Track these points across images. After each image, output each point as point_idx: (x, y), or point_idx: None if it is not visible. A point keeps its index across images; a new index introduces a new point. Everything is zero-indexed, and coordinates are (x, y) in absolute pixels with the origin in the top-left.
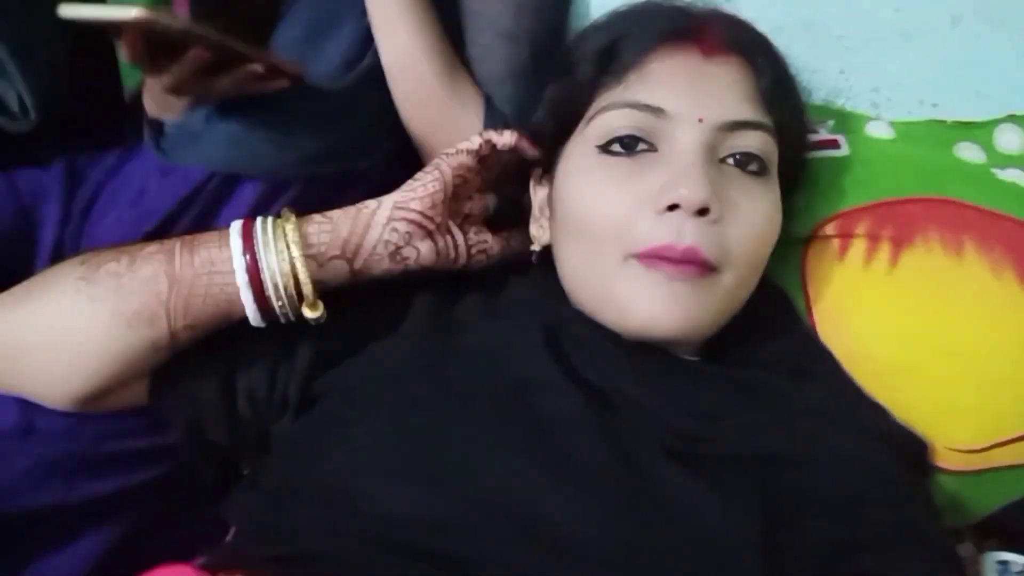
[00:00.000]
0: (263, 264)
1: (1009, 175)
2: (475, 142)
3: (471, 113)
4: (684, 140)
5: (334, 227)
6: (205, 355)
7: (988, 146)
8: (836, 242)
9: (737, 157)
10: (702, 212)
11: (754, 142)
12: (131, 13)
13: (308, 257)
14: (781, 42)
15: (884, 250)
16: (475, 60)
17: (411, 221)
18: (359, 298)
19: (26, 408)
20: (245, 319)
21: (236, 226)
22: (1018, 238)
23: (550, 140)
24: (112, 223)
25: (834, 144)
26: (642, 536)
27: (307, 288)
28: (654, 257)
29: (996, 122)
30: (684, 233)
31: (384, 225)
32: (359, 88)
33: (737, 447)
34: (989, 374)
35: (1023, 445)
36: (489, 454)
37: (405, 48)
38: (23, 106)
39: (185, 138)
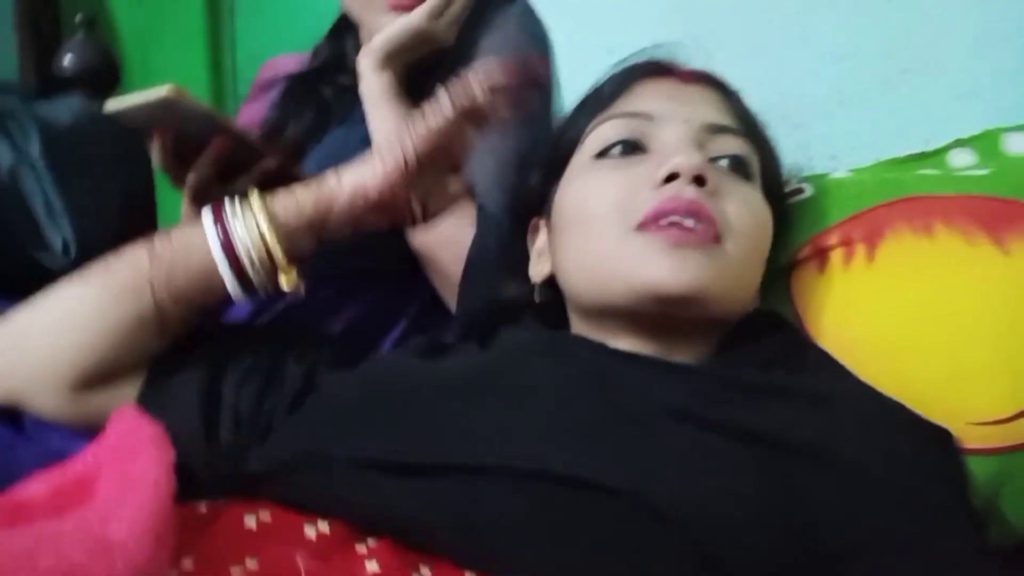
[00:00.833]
0: (234, 236)
1: (963, 173)
2: (446, 110)
3: (465, 222)
4: (672, 135)
5: (299, 204)
6: (193, 371)
7: (943, 167)
8: (814, 261)
9: (726, 157)
10: (699, 181)
11: (737, 146)
12: (162, 91)
13: (278, 232)
14: None
15: (860, 251)
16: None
17: (368, 204)
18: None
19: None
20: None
21: (207, 209)
22: (982, 208)
23: (545, 182)
24: None
25: (800, 191)
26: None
27: (278, 254)
28: (658, 217)
29: (946, 148)
30: (685, 193)
31: (346, 203)
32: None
33: (742, 422)
34: (986, 331)
35: None
36: (473, 414)
37: None
38: (66, 247)
39: None
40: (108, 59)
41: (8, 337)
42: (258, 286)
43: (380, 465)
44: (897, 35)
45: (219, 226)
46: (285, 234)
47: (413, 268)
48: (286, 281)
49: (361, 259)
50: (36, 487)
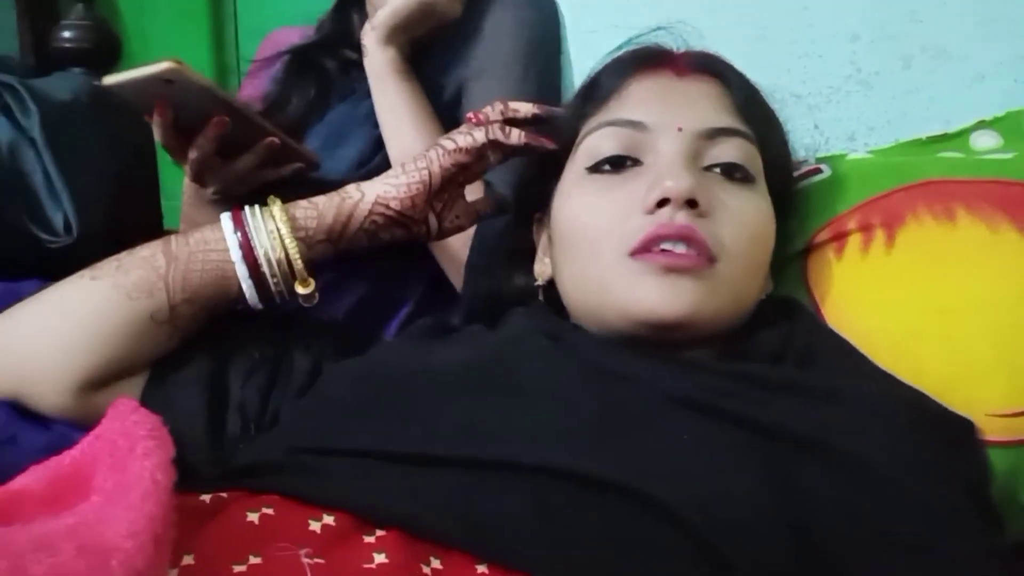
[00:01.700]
0: (255, 243)
1: (987, 156)
2: (478, 139)
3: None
4: (666, 148)
5: (320, 214)
6: (197, 365)
7: (966, 149)
8: (832, 245)
9: (720, 166)
10: (691, 204)
11: (735, 150)
12: (162, 65)
13: (297, 240)
14: None
15: (879, 237)
16: None
17: (389, 217)
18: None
19: (11, 419)
20: (239, 322)
21: (226, 214)
22: (1005, 194)
23: (544, 178)
24: None
25: (817, 171)
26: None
27: (298, 264)
28: (650, 244)
29: (968, 130)
30: (676, 219)
31: (365, 217)
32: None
33: (748, 415)
34: (1007, 321)
35: None
36: (477, 408)
37: (412, 144)
38: (67, 225)
39: None
40: (107, 35)
41: (14, 333)
42: (274, 289)
43: (383, 457)
44: (912, 14)
45: (239, 232)
46: (305, 239)
47: (420, 249)
48: (303, 290)
49: None
50: (31, 480)
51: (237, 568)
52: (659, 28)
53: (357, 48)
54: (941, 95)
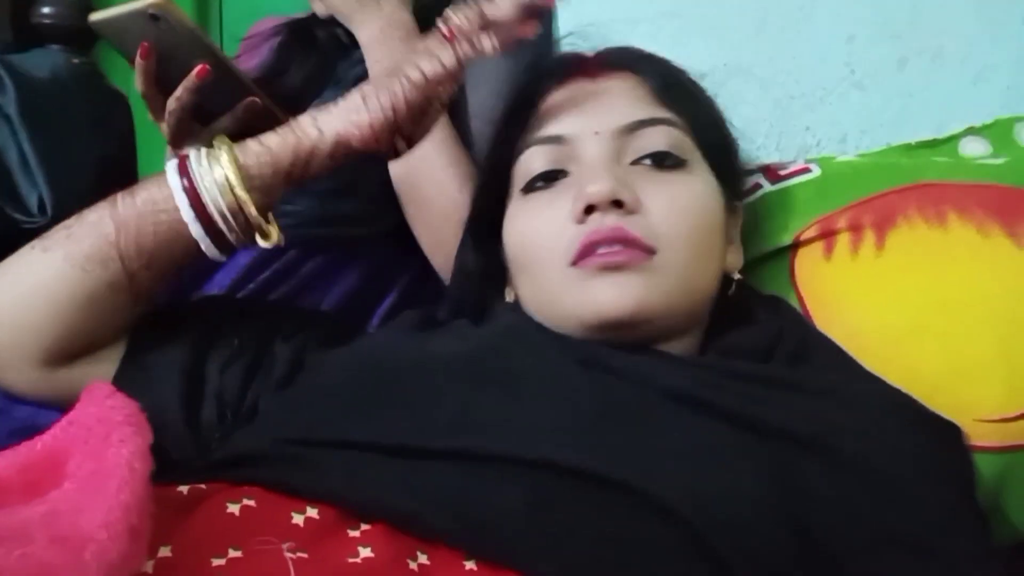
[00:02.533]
0: (206, 199)
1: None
2: (448, 64)
3: (445, 151)
4: (587, 154)
5: (275, 158)
6: (175, 350)
7: (954, 156)
8: (820, 243)
9: (646, 156)
10: (617, 204)
11: (659, 138)
12: (149, 1)
13: (252, 189)
14: (743, 110)
15: (869, 238)
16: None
17: (350, 155)
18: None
19: None
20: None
21: (172, 165)
22: (997, 198)
23: (494, 207)
24: None
25: (807, 170)
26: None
27: (250, 208)
28: (586, 252)
29: (957, 136)
30: (606, 222)
31: (326, 156)
32: (362, 164)
33: (743, 412)
34: (999, 326)
35: None
36: (472, 400)
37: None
38: (42, 205)
39: None
40: (86, 11)
41: None
42: (234, 243)
43: (373, 449)
44: (909, 16)
45: (184, 179)
46: (260, 187)
47: (404, 238)
48: (265, 243)
49: (354, 227)
50: (3, 464)
51: (216, 562)
52: (566, 35)
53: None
54: (936, 98)
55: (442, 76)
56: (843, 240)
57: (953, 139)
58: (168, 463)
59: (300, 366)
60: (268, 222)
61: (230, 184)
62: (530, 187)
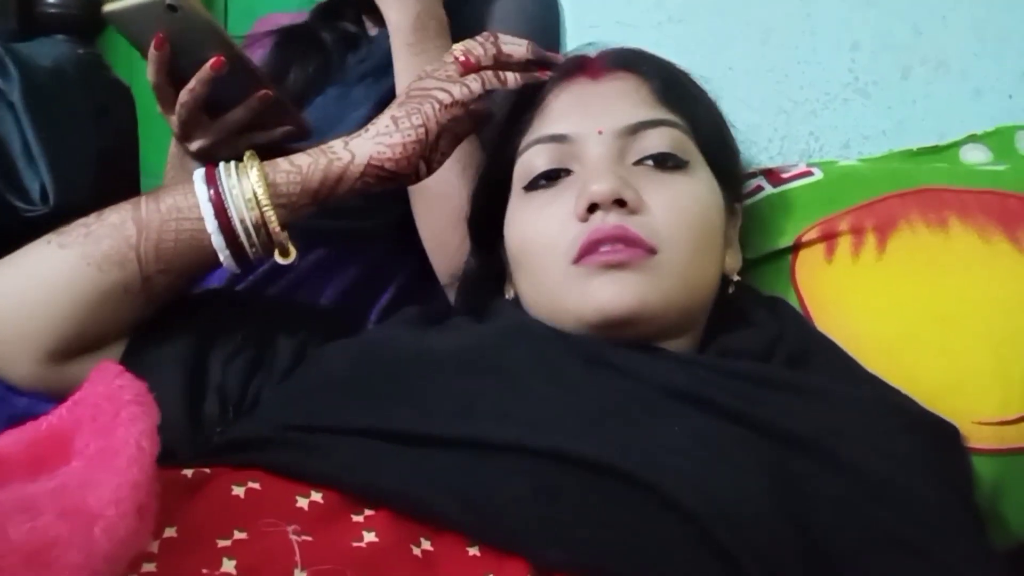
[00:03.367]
0: (232, 212)
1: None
2: (475, 90)
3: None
4: (590, 153)
5: (304, 179)
6: (177, 343)
7: (955, 163)
8: (822, 245)
9: (649, 157)
10: (620, 204)
11: (661, 140)
12: None
13: (279, 207)
14: (748, 115)
15: (870, 241)
16: None
17: (382, 177)
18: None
19: None
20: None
21: (200, 174)
22: (999, 205)
23: (494, 205)
24: None
25: (808, 173)
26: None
27: (274, 225)
28: (588, 250)
29: (959, 143)
30: (608, 221)
31: (356, 179)
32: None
33: (745, 410)
34: (1000, 331)
35: None
36: (478, 391)
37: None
38: (44, 195)
39: None
40: (93, 3)
41: None
42: (252, 257)
43: (377, 436)
44: (914, 27)
45: (212, 190)
46: (287, 205)
47: (403, 232)
48: (283, 260)
49: (354, 221)
50: (7, 443)
51: (221, 543)
52: (589, 44)
53: (356, 21)
54: (938, 108)
55: (469, 101)
56: (844, 243)
57: (954, 146)
58: (169, 454)
59: (302, 360)
60: (288, 242)
61: (257, 200)
62: (533, 185)
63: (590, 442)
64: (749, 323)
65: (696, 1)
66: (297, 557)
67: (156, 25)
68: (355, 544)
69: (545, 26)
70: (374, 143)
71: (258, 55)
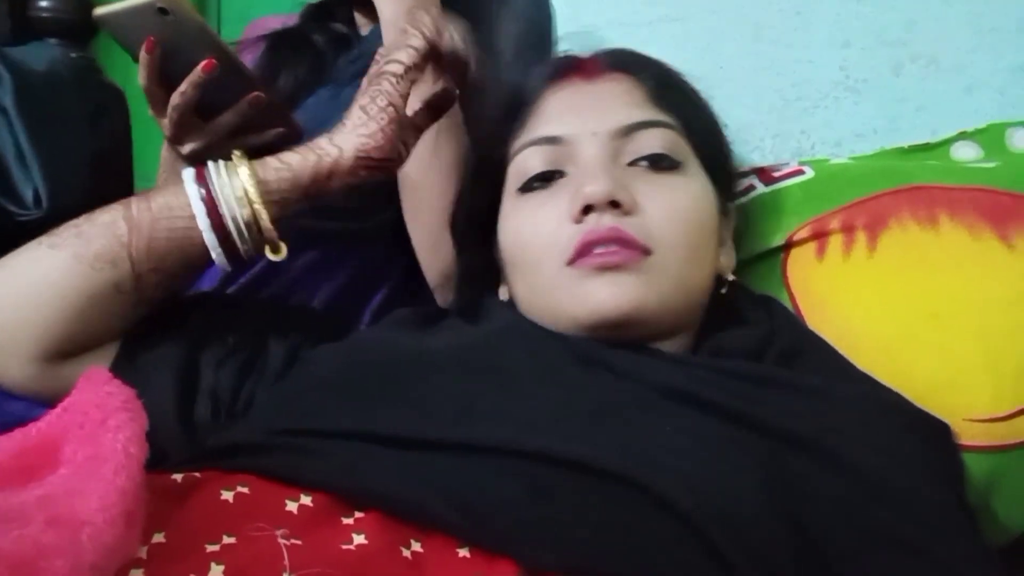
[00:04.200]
0: (223, 209)
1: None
2: (417, 45)
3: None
4: (584, 154)
5: (294, 175)
6: (169, 346)
7: (946, 160)
8: (813, 244)
9: (643, 158)
10: (614, 205)
11: (655, 140)
12: None
13: (269, 203)
14: (740, 113)
15: (861, 240)
16: None
17: (371, 167)
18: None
19: None
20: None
21: (189, 173)
22: (989, 202)
23: (487, 206)
24: None
25: (800, 172)
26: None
27: (266, 223)
28: (583, 251)
29: (949, 141)
30: (603, 222)
31: (348, 172)
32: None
33: (739, 410)
34: (990, 328)
35: None
36: (470, 393)
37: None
38: (37, 199)
39: None
40: (86, 6)
41: None
42: (244, 254)
43: (369, 439)
44: (905, 24)
45: (204, 190)
46: (278, 202)
47: (395, 233)
48: (274, 256)
49: (346, 222)
50: None
51: (210, 548)
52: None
53: (347, 21)
54: (929, 105)
55: (418, 59)
56: (835, 241)
57: (945, 143)
58: (160, 457)
59: (294, 363)
60: (279, 239)
61: (248, 197)
62: (527, 187)
63: (583, 443)
64: (741, 322)
65: (684, 5)
66: (286, 561)
67: (147, 28)
68: (344, 547)
69: (536, 23)
70: (356, 136)
71: (249, 59)
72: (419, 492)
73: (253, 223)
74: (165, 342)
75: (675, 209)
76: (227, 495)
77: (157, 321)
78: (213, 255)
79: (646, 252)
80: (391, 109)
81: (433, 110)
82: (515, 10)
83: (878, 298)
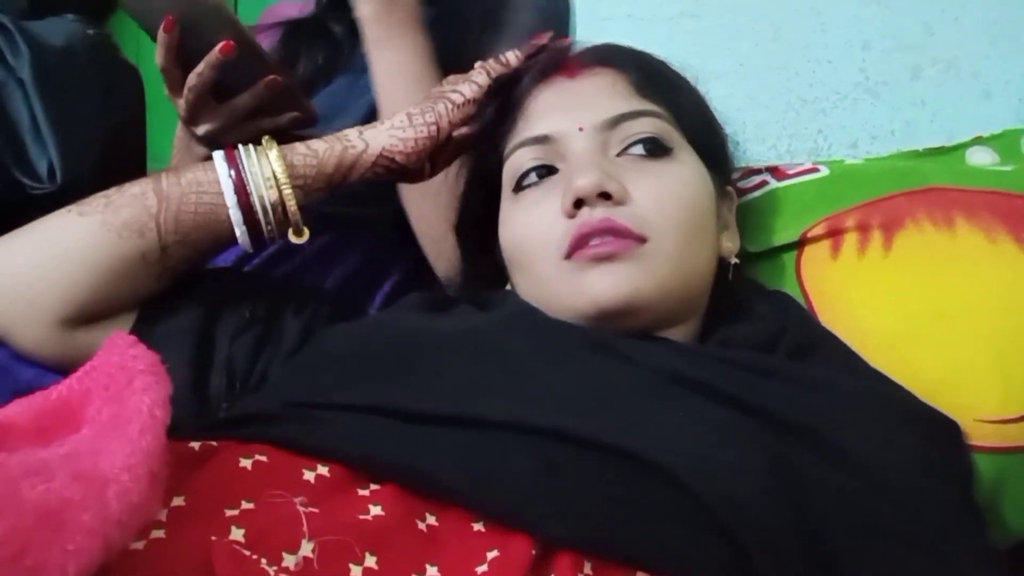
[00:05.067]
0: (251, 188)
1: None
2: (482, 82)
3: None
4: (573, 149)
5: (320, 163)
6: (186, 317)
7: (960, 164)
8: (827, 242)
9: (631, 145)
10: (605, 196)
11: (643, 127)
12: None
13: (295, 187)
14: (757, 112)
15: (876, 239)
16: None
17: (391, 169)
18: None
19: None
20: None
21: (219, 154)
22: (1005, 205)
23: (486, 210)
24: None
25: (815, 170)
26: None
27: (292, 206)
28: (578, 245)
29: (965, 145)
30: (595, 215)
31: (368, 168)
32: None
33: (743, 396)
34: (1003, 330)
35: None
36: (485, 372)
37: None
38: (51, 172)
39: None
40: None
41: None
42: (267, 235)
43: (383, 413)
44: (925, 27)
45: (233, 171)
46: (303, 187)
47: (406, 221)
48: (297, 239)
49: (359, 207)
50: (16, 411)
51: (229, 512)
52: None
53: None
54: (947, 109)
55: (480, 97)
56: (850, 240)
57: (961, 147)
58: (172, 427)
59: (309, 339)
60: (302, 224)
61: (276, 179)
62: (520, 187)
63: (595, 422)
64: (752, 316)
65: (703, 4)
66: (305, 527)
67: (166, 7)
68: (361, 517)
69: (554, 17)
70: (388, 135)
71: (265, 45)
72: (432, 463)
73: (279, 205)
74: (181, 314)
75: (667, 194)
76: (245, 462)
77: (173, 292)
78: (237, 232)
79: (641, 240)
80: (434, 128)
81: (460, 148)
82: (532, 3)
83: (892, 298)
